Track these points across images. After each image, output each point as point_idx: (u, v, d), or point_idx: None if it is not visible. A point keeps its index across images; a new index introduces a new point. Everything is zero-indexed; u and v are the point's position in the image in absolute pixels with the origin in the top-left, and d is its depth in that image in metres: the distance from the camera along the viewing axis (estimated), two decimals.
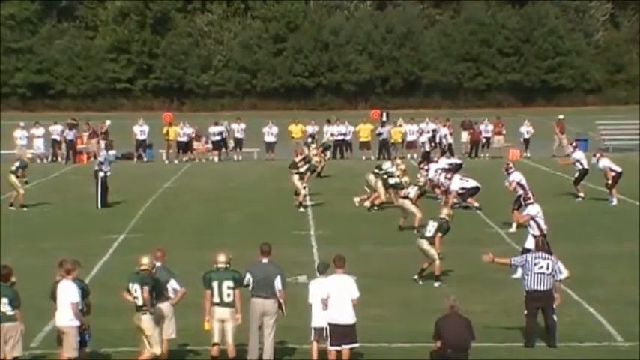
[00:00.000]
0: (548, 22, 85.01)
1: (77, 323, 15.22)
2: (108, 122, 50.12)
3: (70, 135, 48.80)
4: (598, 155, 33.90)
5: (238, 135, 48.98)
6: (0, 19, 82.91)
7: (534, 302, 17.19)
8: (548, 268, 17.30)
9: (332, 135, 47.96)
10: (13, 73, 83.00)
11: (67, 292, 15.24)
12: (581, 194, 33.97)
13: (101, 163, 33.49)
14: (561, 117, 50.50)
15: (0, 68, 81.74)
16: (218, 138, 48.52)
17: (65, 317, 15.25)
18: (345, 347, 15.65)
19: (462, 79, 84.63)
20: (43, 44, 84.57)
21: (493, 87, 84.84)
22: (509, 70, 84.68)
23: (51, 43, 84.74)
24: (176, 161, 47.48)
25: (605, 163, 33.21)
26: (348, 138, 48.79)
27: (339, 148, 48.44)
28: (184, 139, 48.16)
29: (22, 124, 49.48)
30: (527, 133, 48.66)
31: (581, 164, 34.15)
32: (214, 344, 15.79)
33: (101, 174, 33.13)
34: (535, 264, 17.30)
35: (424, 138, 47.00)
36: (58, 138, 49.18)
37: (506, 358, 16.64)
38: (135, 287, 15.29)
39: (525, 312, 17.25)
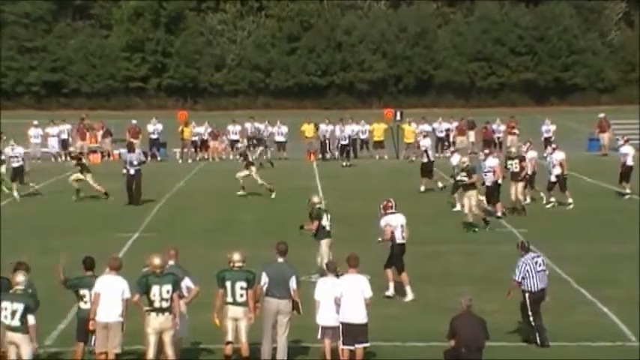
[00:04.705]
0: (562, 20, 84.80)
1: (122, 319, 15.28)
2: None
3: (63, 134, 49.19)
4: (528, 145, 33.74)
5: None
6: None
7: (538, 301, 17.22)
8: (544, 265, 17.43)
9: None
10: (27, 72, 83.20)
11: (118, 288, 15.27)
12: (628, 191, 33.76)
13: (125, 162, 33.97)
14: (602, 115, 50.38)
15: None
16: (236, 137, 48.78)
17: (113, 313, 15.24)
18: (359, 347, 15.71)
19: (474, 78, 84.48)
20: (57, 43, 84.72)
21: (506, 86, 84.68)
22: (522, 69, 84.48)
23: (65, 41, 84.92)
24: (190, 160, 47.58)
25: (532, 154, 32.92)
26: (364, 137, 48.99)
27: (353, 146, 48.49)
28: (203, 136, 48.39)
29: (35, 122, 49.62)
30: (548, 132, 48.47)
31: (625, 160, 33.99)
32: (228, 343, 15.83)
33: (124, 171, 33.65)
34: (535, 263, 17.37)
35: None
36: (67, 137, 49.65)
37: (518, 357, 16.63)
38: (167, 289, 15.16)
39: (530, 313, 17.19)
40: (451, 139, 49.28)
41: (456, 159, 32.61)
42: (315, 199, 22.83)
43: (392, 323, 18.19)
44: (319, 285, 16.17)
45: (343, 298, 15.70)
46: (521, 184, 30.69)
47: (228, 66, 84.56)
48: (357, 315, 15.70)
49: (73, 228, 29.34)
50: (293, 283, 16.04)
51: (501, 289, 20.97)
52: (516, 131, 49.14)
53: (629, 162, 33.94)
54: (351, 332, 15.69)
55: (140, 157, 34.67)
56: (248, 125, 49.39)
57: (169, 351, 15.29)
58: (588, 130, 52.20)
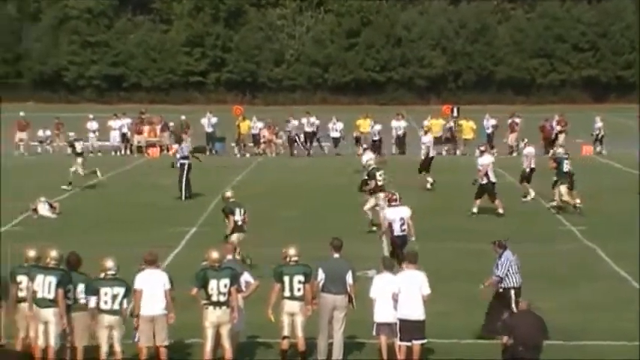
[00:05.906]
0: (625, 16, 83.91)
1: (166, 312, 15.37)
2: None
3: (124, 127, 49.58)
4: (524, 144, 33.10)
5: (309, 129, 49.15)
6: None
7: (518, 296, 17.00)
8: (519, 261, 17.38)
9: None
10: (88, 66, 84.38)
11: (159, 281, 15.36)
12: None
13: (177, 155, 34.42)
14: None
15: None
16: (293, 132, 48.94)
17: (158, 306, 15.33)
18: (416, 343, 15.69)
19: (535, 75, 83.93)
20: (118, 37, 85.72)
21: (567, 83, 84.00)
22: (583, 66, 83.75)
23: (126, 36, 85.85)
24: (248, 155, 47.74)
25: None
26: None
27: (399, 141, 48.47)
28: (256, 131, 48.62)
29: (90, 116, 50.02)
30: (599, 129, 48.03)
31: None
32: (284, 337, 15.88)
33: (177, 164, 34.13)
34: (516, 259, 17.22)
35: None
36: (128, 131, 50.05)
37: (577, 357, 16.49)
38: (224, 283, 15.22)
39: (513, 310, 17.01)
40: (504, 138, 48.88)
41: (366, 157, 31.74)
42: (228, 194, 22.66)
43: (447, 320, 18.10)
44: (375, 282, 16.14)
45: (401, 294, 15.69)
46: (563, 186, 30.30)
47: (287, 61, 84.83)
48: (415, 311, 15.68)
49: (130, 222, 29.56)
50: (349, 278, 16.06)
51: (558, 287, 20.86)
52: (566, 129, 48.48)
53: None
54: (408, 328, 15.68)
55: (182, 152, 34.42)
56: (304, 120, 49.44)
57: (227, 345, 15.37)
58: None
